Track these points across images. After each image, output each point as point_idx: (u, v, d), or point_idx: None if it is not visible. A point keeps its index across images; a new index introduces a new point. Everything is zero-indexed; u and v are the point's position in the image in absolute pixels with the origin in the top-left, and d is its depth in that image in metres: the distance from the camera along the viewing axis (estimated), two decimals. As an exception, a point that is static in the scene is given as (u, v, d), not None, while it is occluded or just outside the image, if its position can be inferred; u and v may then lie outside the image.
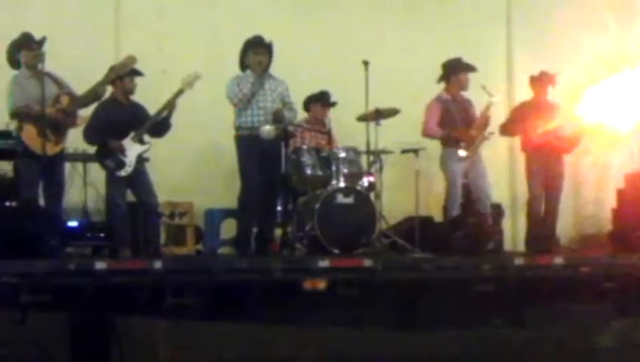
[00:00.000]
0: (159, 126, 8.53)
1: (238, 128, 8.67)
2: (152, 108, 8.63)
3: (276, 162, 8.62)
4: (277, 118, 8.57)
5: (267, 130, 8.48)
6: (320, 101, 9.54)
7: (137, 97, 8.66)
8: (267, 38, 8.75)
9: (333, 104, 9.60)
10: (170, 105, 8.47)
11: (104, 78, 8.36)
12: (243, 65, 8.77)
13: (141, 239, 8.49)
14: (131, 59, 8.39)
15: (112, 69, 8.42)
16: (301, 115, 9.43)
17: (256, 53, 8.66)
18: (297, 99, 9.32)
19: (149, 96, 8.77)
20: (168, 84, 8.86)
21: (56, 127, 8.21)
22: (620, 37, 11.04)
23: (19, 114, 8.16)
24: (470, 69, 9.33)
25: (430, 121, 9.29)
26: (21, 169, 8.27)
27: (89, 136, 8.43)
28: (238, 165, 8.63)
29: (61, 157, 8.38)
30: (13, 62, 8.35)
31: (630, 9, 11.09)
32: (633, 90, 10.51)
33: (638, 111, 10.43)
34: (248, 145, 8.57)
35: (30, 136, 8.11)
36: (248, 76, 8.67)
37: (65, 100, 8.29)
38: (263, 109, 8.60)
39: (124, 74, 8.41)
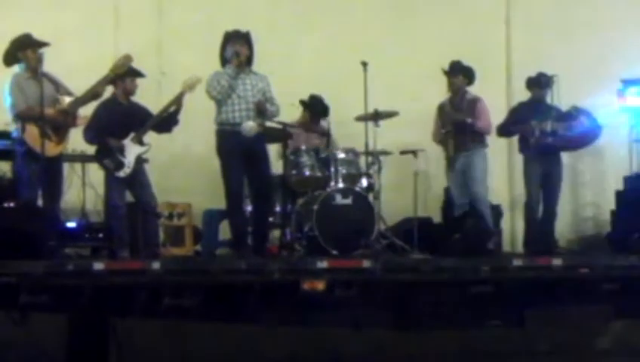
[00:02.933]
0: (167, 121, 8.51)
1: (219, 124, 8.53)
2: (150, 107, 8.63)
3: (260, 158, 8.51)
4: (259, 110, 8.48)
5: (249, 126, 8.37)
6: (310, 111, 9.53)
7: (136, 98, 8.65)
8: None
9: (325, 113, 9.55)
10: (174, 104, 8.45)
11: (103, 78, 8.36)
12: (223, 60, 8.63)
13: (140, 240, 8.48)
14: (127, 58, 8.38)
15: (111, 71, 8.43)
16: (298, 113, 9.40)
17: (233, 44, 8.53)
18: (295, 99, 9.33)
19: (147, 97, 8.77)
20: (167, 86, 8.86)
21: (58, 127, 8.22)
22: (618, 38, 11.03)
23: (21, 116, 8.16)
24: (451, 73, 9.31)
25: (434, 124, 9.43)
26: (22, 170, 8.26)
27: (89, 135, 8.43)
28: (220, 162, 8.46)
29: (60, 157, 8.38)
30: (11, 60, 8.32)
31: (627, 10, 11.09)
32: (631, 92, 10.53)
33: (637, 111, 10.45)
34: (229, 141, 8.41)
35: (33, 137, 8.10)
36: (227, 69, 8.51)
37: (65, 101, 8.29)
38: (245, 105, 8.47)
39: (123, 73, 8.41)
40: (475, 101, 9.35)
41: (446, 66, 9.36)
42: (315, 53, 10.33)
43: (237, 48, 8.47)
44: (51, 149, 8.13)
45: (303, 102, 9.60)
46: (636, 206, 9.68)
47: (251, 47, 8.57)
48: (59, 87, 8.35)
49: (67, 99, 8.29)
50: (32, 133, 8.11)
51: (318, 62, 10.24)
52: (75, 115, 8.34)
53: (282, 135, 8.72)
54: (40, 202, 8.24)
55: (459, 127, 9.22)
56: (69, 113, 8.26)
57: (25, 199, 8.10)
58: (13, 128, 8.33)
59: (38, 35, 8.30)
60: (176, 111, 8.51)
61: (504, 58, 11.07)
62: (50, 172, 8.16)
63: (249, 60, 8.59)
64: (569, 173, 10.16)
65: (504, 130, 9.61)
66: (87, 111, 8.48)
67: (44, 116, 8.01)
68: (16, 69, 8.30)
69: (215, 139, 8.54)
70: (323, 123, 9.57)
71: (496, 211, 9.88)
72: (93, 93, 8.33)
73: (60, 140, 8.27)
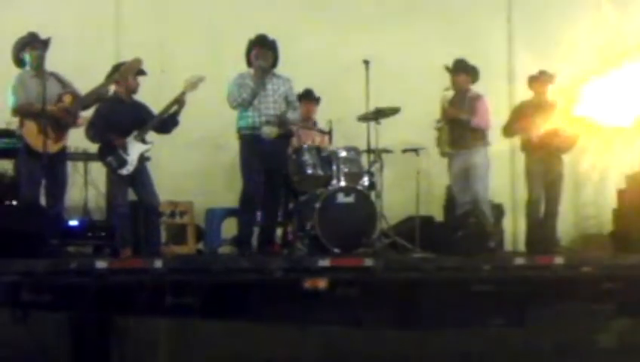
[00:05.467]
0: (166, 122, 8.53)
1: (239, 129, 8.65)
2: (151, 106, 8.63)
3: (279, 162, 8.62)
4: (281, 123, 8.56)
5: (268, 129, 8.48)
6: (305, 98, 9.52)
7: (137, 95, 8.65)
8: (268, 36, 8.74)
9: (318, 100, 9.58)
10: (176, 104, 8.45)
11: (107, 80, 8.38)
12: (249, 63, 8.72)
13: (142, 238, 8.49)
14: (137, 62, 8.41)
15: (116, 70, 8.42)
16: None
17: (257, 55, 8.61)
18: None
19: (149, 95, 8.76)
20: (168, 84, 8.86)
21: (57, 124, 8.22)
22: (621, 33, 11.03)
23: (20, 111, 8.18)
24: (453, 71, 9.31)
25: None
26: (22, 167, 8.27)
27: (91, 133, 8.42)
28: (240, 164, 8.62)
29: (62, 155, 8.39)
30: (18, 60, 8.36)
31: (630, 4, 11.08)
32: (634, 87, 10.52)
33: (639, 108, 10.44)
34: (250, 145, 8.55)
35: (31, 133, 8.13)
36: (249, 78, 8.60)
37: (67, 99, 8.31)
38: (265, 110, 8.56)
39: (130, 74, 8.41)
40: (475, 99, 9.34)
41: (449, 64, 9.35)
42: (316, 51, 10.32)
43: (260, 60, 8.55)
44: (50, 146, 8.13)
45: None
46: (638, 204, 9.68)
47: (276, 52, 8.64)
48: (66, 88, 8.36)
49: (70, 99, 8.30)
50: (30, 129, 8.13)
51: (320, 61, 10.23)
52: (76, 114, 8.34)
53: (287, 134, 8.74)
54: (43, 200, 8.26)
55: (454, 123, 9.22)
56: (70, 112, 8.27)
57: (25, 196, 8.11)
58: (13, 125, 8.38)
59: (39, 33, 8.32)
60: (177, 112, 8.51)
61: (506, 56, 11.07)
62: (51, 170, 8.17)
63: (272, 64, 8.67)
64: (571, 172, 10.15)
65: (508, 131, 9.61)
66: (88, 112, 8.47)
67: (44, 112, 8.02)
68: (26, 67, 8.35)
69: (238, 144, 8.62)
70: (315, 120, 9.55)
71: (499, 210, 9.89)
72: (97, 95, 8.34)
73: (59, 138, 8.27)
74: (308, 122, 9.52)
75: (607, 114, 10.09)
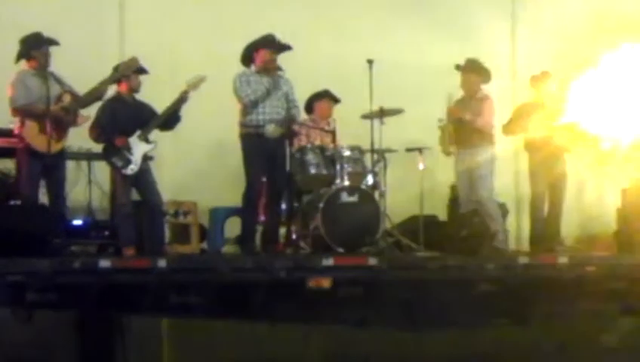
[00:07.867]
0: (169, 119, 8.53)
1: (243, 126, 8.66)
2: (156, 107, 8.64)
3: (282, 160, 8.63)
4: (288, 122, 8.59)
5: (272, 128, 8.49)
6: (325, 97, 9.53)
7: (141, 96, 8.65)
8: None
9: (338, 100, 9.61)
10: (176, 105, 8.46)
11: (107, 78, 8.39)
12: (248, 60, 8.75)
13: (145, 238, 8.49)
14: (134, 61, 8.42)
15: (115, 69, 8.43)
16: (304, 115, 9.43)
17: (274, 53, 8.64)
18: (302, 97, 9.32)
19: (153, 95, 8.77)
20: (173, 84, 8.86)
21: (58, 124, 8.23)
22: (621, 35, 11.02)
23: (21, 111, 8.18)
24: (463, 70, 9.30)
25: None
26: (22, 166, 8.27)
27: (95, 133, 8.43)
28: (243, 163, 8.63)
29: (62, 155, 8.40)
30: (28, 56, 8.34)
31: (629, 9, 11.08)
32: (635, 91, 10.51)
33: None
34: (253, 143, 8.57)
35: (32, 133, 8.14)
36: (253, 76, 8.65)
37: (67, 98, 8.31)
38: (269, 108, 8.59)
39: (128, 73, 8.42)
40: (483, 99, 9.32)
41: (457, 62, 9.33)
42: (320, 51, 10.32)
43: (275, 58, 8.58)
44: (51, 146, 8.13)
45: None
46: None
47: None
48: (64, 87, 8.38)
49: (69, 98, 8.31)
50: (31, 129, 8.14)
51: (324, 60, 10.23)
52: (76, 113, 8.35)
53: (289, 133, 8.75)
54: (45, 199, 8.27)
55: (459, 122, 9.21)
56: (70, 111, 8.28)
57: (25, 195, 8.11)
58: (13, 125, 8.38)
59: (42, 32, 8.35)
60: (178, 109, 8.51)
61: (509, 56, 11.06)
62: (51, 169, 8.18)
63: None
64: (575, 171, 10.14)
65: (509, 130, 9.60)
66: (88, 111, 8.48)
67: (48, 113, 8.03)
68: (23, 65, 8.33)
69: (240, 141, 8.64)
70: (330, 120, 9.56)
71: (502, 209, 9.87)
72: (96, 94, 8.35)
73: (60, 138, 8.28)
74: (324, 121, 9.53)
75: (610, 115, 10.09)
